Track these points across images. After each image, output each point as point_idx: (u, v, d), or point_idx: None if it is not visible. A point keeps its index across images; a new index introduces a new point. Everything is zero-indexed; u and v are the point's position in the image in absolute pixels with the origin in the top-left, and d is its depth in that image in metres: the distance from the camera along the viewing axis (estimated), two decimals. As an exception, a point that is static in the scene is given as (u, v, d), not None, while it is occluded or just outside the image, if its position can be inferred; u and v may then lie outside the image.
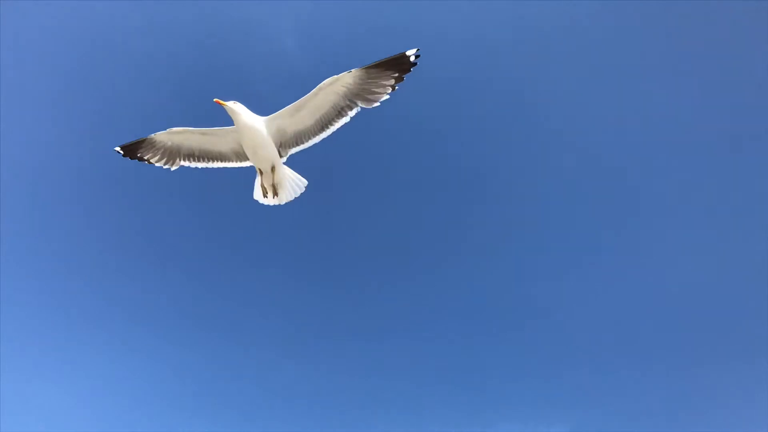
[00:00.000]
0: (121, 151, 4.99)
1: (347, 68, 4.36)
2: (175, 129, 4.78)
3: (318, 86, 4.45)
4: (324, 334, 9.65)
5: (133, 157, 4.97)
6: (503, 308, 9.62)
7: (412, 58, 4.20)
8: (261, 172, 5.02)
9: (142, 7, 8.88)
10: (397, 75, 4.25)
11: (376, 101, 4.38)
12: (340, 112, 4.58)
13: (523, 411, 8.95)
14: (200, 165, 5.00)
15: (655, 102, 9.44)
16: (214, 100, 4.53)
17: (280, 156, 4.95)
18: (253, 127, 4.67)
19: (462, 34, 9.41)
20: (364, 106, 4.45)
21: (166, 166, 5.01)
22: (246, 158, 5.01)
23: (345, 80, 4.35)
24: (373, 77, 4.31)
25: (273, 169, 4.98)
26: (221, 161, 5.01)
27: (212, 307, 9.43)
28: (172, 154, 4.97)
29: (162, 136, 4.88)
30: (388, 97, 4.35)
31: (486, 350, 9.51)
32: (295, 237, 9.59)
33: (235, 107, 4.59)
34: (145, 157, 4.97)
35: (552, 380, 9.14)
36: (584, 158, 9.60)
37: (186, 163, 4.99)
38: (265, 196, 5.17)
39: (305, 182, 5.13)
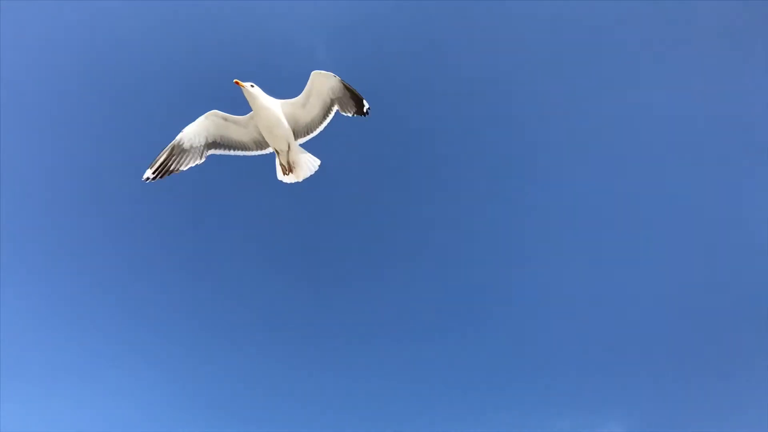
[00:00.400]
0: (152, 176, 4.90)
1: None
2: (206, 114, 5.08)
3: (312, 74, 5.08)
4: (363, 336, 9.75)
5: (163, 175, 4.96)
6: (553, 300, 9.52)
7: (365, 109, 5.17)
8: (278, 153, 5.33)
9: (183, 29, 9.53)
10: (355, 107, 5.19)
11: (346, 112, 5.26)
12: (331, 103, 5.26)
13: (577, 408, 8.86)
14: (225, 152, 5.29)
15: (643, 102, 9.52)
16: (234, 81, 4.90)
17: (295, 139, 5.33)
18: (268, 107, 5.03)
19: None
20: (338, 109, 5.26)
21: (197, 163, 5.14)
22: (264, 146, 5.40)
23: (332, 80, 5.10)
24: (345, 95, 5.16)
25: (289, 149, 5.31)
26: (242, 150, 5.38)
27: (206, 307, 9.50)
28: (200, 147, 5.10)
29: (191, 129, 5.03)
30: (350, 115, 5.24)
31: (536, 346, 9.39)
32: (292, 236, 9.76)
33: (252, 90, 4.94)
34: (176, 168, 5.00)
35: (607, 376, 8.97)
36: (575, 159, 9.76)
37: (213, 151, 5.21)
38: (284, 173, 5.45)
39: (318, 161, 5.47)
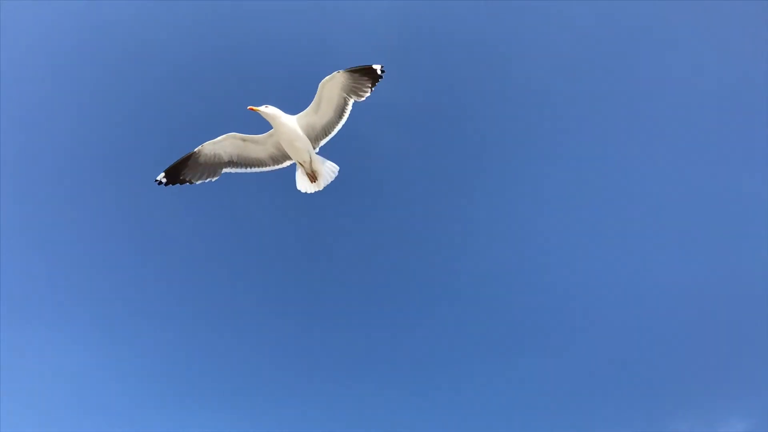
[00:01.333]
0: (164, 180, 5.31)
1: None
2: (223, 136, 5.43)
3: (320, 84, 5.32)
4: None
5: (175, 182, 5.35)
6: (658, 295, 9.41)
7: (378, 71, 5.28)
8: (301, 164, 5.69)
9: (223, 37, 9.92)
10: (369, 80, 5.31)
11: (362, 97, 5.40)
12: (345, 102, 5.44)
13: (694, 406, 8.62)
14: (240, 171, 5.60)
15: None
16: (248, 107, 5.23)
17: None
18: (287, 124, 5.36)
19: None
20: (355, 99, 5.43)
21: (210, 180, 5.49)
22: (281, 161, 5.77)
23: (338, 78, 5.27)
24: (355, 79, 5.29)
25: (310, 159, 5.66)
26: (258, 167, 5.72)
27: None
28: (215, 165, 5.44)
29: (209, 147, 5.38)
30: (370, 93, 5.38)
31: (651, 343, 9.26)
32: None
33: (269, 111, 5.27)
34: (188, 179, 5.38)
35: (727, 371, 8.64)
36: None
37: (228, 170, 5.53)
38: (312, 182, 5.82)
39: (337, 167, 5.78)
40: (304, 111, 5.49)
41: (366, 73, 5.27)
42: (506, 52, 10.22)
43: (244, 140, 5.52)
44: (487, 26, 10.18)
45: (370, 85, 5.33)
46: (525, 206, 10.20)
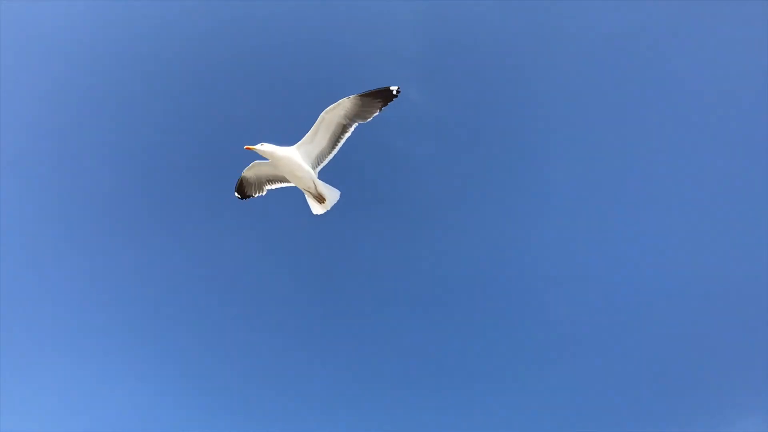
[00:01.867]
0: (239, 196, 6.38)
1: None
2: (251, 165, 6.10)
3: (323, 113, 5.50)
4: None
5: (245, 197, 6.39)
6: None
7: (394, 92, 5.35)
8: (307, 191, 5.90)
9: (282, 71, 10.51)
10: (382, 102, 5.37)
11: (368, 119, 5.50)
12: (344, 129, 5.60)
13: (762, 404, 8.68)
14: (276, 186, 6.31)
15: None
16: (245, 147, 5.47)
17: None
18: (285, 157, 5.58)
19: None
20: (360, 122, 5.54)
21: (259, 195, 6.40)
22: None
23: (345, 105, 5.41)
24: (366, 103, 5.39)
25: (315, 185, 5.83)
26: (286, 182, 6.25)
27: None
28: (260, 184, 6.29)
29: (249, 173, 6.18)
30: (378, 113, 5.45)
31: (712, 340, 9.44)
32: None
33: (263, 148, 5.50)
34: (249, 194, 6.37)
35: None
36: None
37: (269, 187, 6.31)
38: (320, 203, 6.06)
39: (338, 192, 5.87)
40: (301, 140, 5.62)
41: (379, 95, 5.36)
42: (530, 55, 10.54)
43: (268, 165, 6.01)
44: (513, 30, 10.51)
45: (380, 106, 5.40)
46: (553, 217, 10.53)
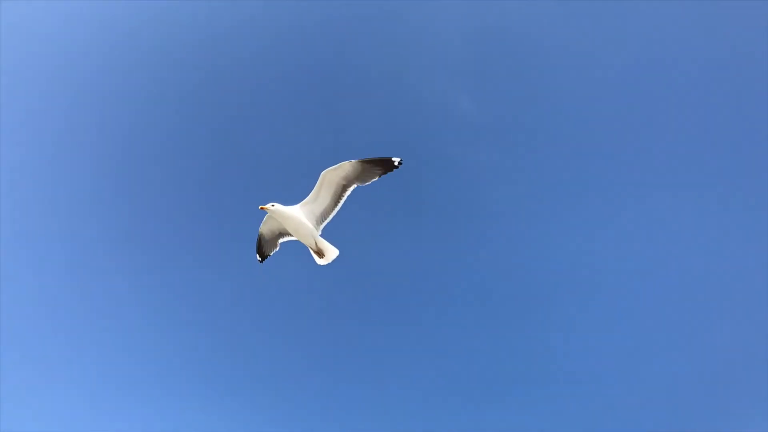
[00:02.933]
0: (260, 258, 6.82)
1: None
2: (265, 219, 6.58)
3: (322, 174, 6.04)
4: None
5: (263, 259, 6.85)
6: None
7: (396, 163, 5.74)
8: (309, 246, 6.58)
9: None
10: (382, 170, 5.78)
11: (368, 182, 5.95)
12: (344, 188, 6.13)
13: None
14: (288, 239, 6.76)
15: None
16: (259, 207, 6.28)
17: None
18: (290, 216, 6.30)
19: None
20: (359, 184, 6.03)
21: (276, 251, 6.83)
22: None
23: (345, 168, 5.89)
24: (366, 169, 5.82)
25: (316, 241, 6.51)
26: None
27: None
28: (273, 239, 6.75)
29: (264, 228, 6.65)
30: (377, 179, 5.88)
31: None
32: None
33: (272, 208, 6.26)
34: (266, 253, 6.81)
35: None
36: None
37: (281, 240, 6.76)
38: (320, 257, 6.68)
39: (337, 251, 6.62)
40: (305, 199, 6.35)
41: (381, 164, 5.76)
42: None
43: (276, 220, 6.55)
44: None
45: (380, 173, 5.80)
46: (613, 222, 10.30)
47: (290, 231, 6.49)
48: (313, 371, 10.84)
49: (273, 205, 6.31)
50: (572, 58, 10.85)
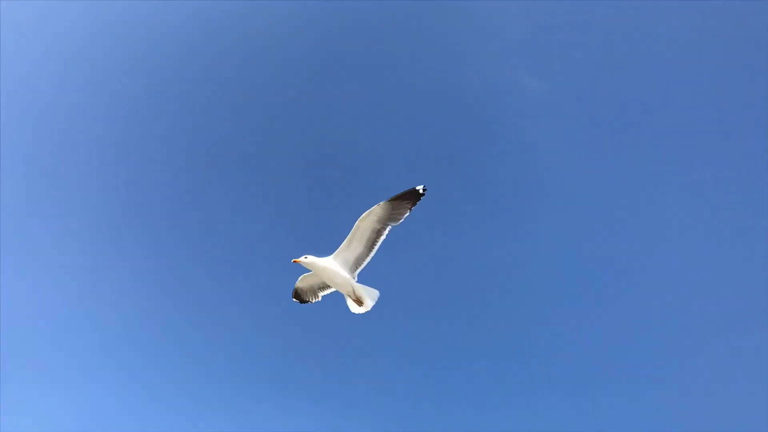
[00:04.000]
0: (297, 301, 6.85)
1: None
2: (300, 278, 6.68)
3: (357, 221, 6.09)
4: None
5: (303, 302, 6.86)
6: None
7: (421, 191, 5.86)
8: (347, 295, 6.37)
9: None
10: (411, 203, 5.86)
11: (400, 220, 6.00)
12: (378, 233, 6.14)
13: None
14: (329, 291, 6.73)
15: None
16: (292, 261, 6.14)
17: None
18: (326, 268, 6.18)
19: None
20: (393, 225, 6.05)
21: (316, 301, 6.86)
22: None
23: (376, 212, 5.97)
24: (396, 206, 5.90)
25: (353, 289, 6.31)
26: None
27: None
28: (313, 291, 6.79)
29: (301, 284, 6.72)
30: (409, 214, 5.96)
31: None
32: None
33: (307, 260, 6.14)
34: (306, 300, 6.85)
35: None
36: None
37: (322, 293, 6.78)
38: (359, 305, 6.44)
39: (377, 292, 6.35)
40: (339, 248, 6.23)
41: (408, 197, 5.87)
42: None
43: (312, 276, 6.58)
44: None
45: (409, 207, 5.90)
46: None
47: (326, 281, 6.33)
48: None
49: (306, 258, 6.17)
50: (639, 32, 10.52)
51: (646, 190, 10.70)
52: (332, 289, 6.66)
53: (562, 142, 11.30)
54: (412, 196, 5.85)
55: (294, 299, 6.90)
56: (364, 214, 5.98)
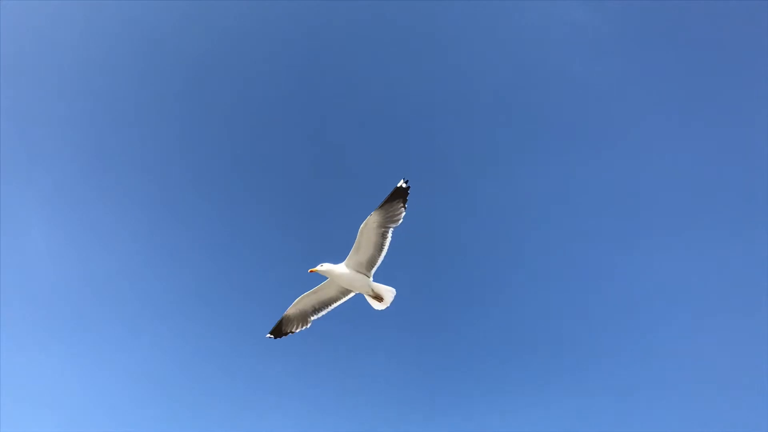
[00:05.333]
0: (272, 336, 6.78)
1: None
2: (296, 300, 6.65)
3: (359, 230, 6.21)
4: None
5: (279, 336, 6.76)
6: None
7: (404, 185, 5.99)
8: (367, 294, 6.63)
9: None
10: (401, 201, 6.01)
11: (399, 220, 6.18)
12: (383, 236, 6.27)
13: None
14: (323, 313, 6.79)
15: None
16: (309, 270, 6.43)
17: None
18: (342, 273, 6.39)
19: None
20: (393, 226, 6.20)
21: (304, 328, 6.76)
22: (349, 291, 6.69)
23: (374, 218, 6.13)
24: (388, 208, 6.05)
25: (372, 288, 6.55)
26: (336, 302, 6.80)
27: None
28: (303, 317, 6.74)
29: (291, 311, 6.68)
30: (404, 212, 6.15)
31: None
32: None
33: (323, 268, 6.39)
34: (288, 331, 6.75)
35: None
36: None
37: (315, 317, 6.75)
38: (379, 302, 6.69)
39: (394, 290, 6.54)
40: (349, 254, 6.42)
41: (394, 196, 6.04)
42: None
43: (315, 292, 6.68)
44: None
45: (402, 206, 6.08)
46: None
47: (345, 286, 6.57)
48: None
49: (322, 266, 6.44)
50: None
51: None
52: (327, 309, 6.73)
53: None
54: (399, 195, 6.00)
55: (270, 335, 6.74)
56: (362, 224, 6.11)
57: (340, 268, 6.41)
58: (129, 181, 12.00)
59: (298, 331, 6.79)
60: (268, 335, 6.81)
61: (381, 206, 6.04)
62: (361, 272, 6.48)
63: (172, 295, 11.89)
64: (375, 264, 6.47)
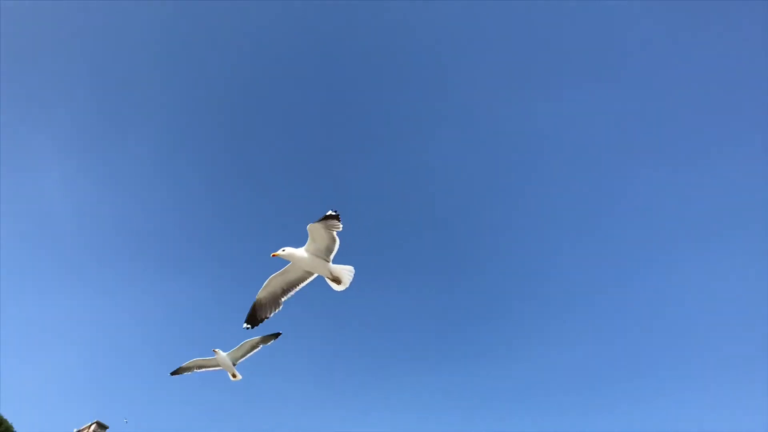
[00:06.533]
0: (249, 326, 7.04)
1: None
2: (266, 282, 7.06)
3: (309, 229, 6.69)
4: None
5: (255, 324, 7.01)
6: None
7: (333, 213, 6.48)
8: (326, 276, 7.24)
9: None
10: (336, 219, 6.56)
11: (339, 229, 6.74)
12: (331, 234, 6.82)
13: None
14: (292, 293, 7.21)
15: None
16: (272, 255, 6.97)
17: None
18: (303, 257, 6.92)
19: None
20: (337, 230, 6.78)
21: (277, 311, 7.05)
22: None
23: (315, 227, 6.67)
24: (324, 224, 6.61)
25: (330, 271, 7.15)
26: (303, 282, 7.24)
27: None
28: (275, 299, 7.07)
29: (262, 294, 7.01)
30: (341, 226, 6.67)
31: None
32: None
33: (285, 253, 6.89)
34: (264, 317, 7.00)
35: None
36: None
37: (285, 298, 7.12)
38: (338, 284, 7.31)
39: (353, 269, 7.12)
40: (307, 242, 6.90)
41: (329, 219, 6.54)
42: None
43: (282, 274, 7.13)
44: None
45: (337, 222, 6.57)
46: None
47: (307, 269, 7.10)
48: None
49: (284, 250, 6.96)
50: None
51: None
52: (296, 289, 7.11)
53: None
54: (332, 218, 6.51)
55: (246, 324, 7.03)
56: (311, 224, 6.63)
57: (301, 252, 6.85)
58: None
59: (272, 315, 7.08)
60: (245, 325, 7.10)
61: (318, 221, 6.55)
62: (320, 257, 7.02)
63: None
64: (332, 251, 6.97)
